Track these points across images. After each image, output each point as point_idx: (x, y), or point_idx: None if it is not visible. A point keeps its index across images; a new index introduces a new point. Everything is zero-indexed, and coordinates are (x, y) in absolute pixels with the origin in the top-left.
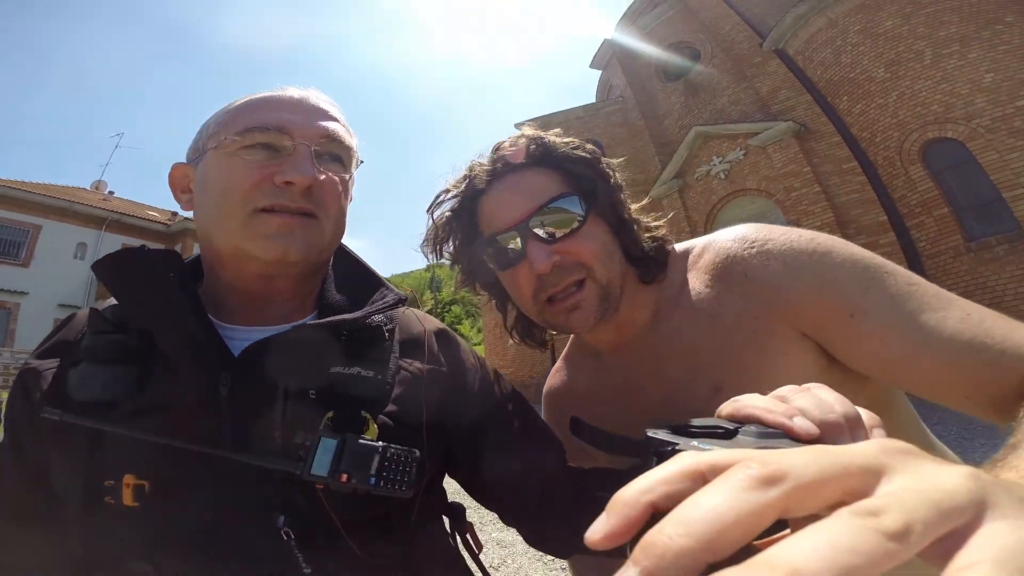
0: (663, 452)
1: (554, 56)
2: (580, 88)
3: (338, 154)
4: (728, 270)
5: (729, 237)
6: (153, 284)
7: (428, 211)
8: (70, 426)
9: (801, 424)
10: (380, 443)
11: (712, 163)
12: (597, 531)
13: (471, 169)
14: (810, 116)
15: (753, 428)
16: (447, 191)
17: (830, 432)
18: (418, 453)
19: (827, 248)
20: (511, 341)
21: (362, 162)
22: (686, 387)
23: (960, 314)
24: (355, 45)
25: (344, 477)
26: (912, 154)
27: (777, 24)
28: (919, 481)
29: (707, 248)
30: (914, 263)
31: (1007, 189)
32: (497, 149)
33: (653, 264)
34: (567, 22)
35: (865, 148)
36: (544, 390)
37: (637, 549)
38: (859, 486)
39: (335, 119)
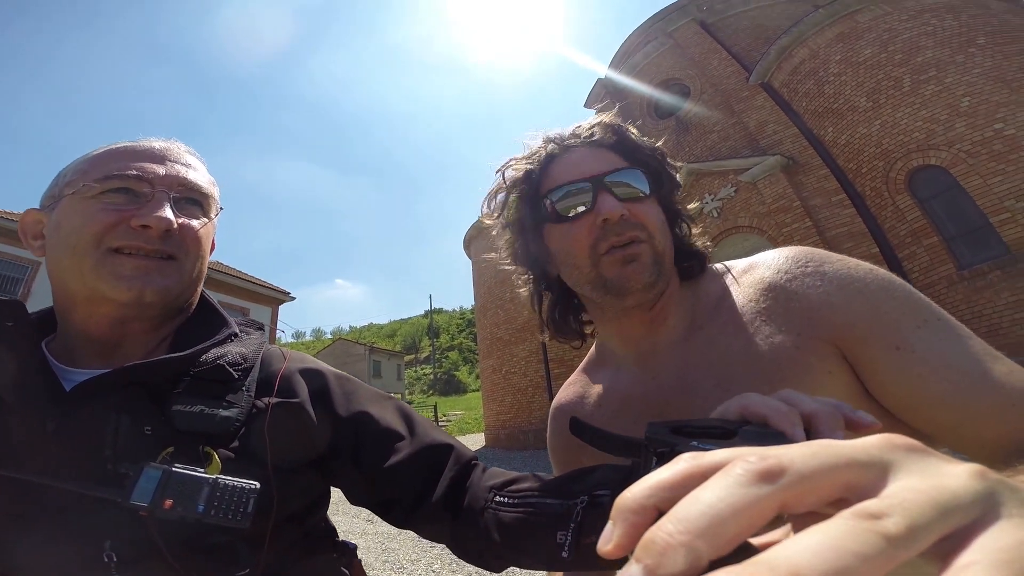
0: (662, 452)
1: (549, 96)
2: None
3: (197, 200)
4: (776, 286)
5: (780, 256)
6: None
7: (498, 171)
8: None
9: (800, 434)
10: (211, 475)
11: (705, 201)
12: (606, 541)
13: (546, 138)
14: (797, 149)
15: (753, 428)
16: (519, 157)
17: (831, 435)
18: (257, 486)
19: (886, 280)
20: (544, 337)
21: (222, 208)
22: (717, 400)
23: (1005, 368)
24: (352, 88)
25: (168, 504)
26: (898, 183)
27: (762, 57)
28: (924, 481)
29: (754, 265)
30: None
31: (993, 214)
32: (576, 128)
33: (696, 263)
34: (564, 62)
35: (852, 179)
36: (553, 404)
37: (639, 547)
38: (862, 482)
39: (195, 168)
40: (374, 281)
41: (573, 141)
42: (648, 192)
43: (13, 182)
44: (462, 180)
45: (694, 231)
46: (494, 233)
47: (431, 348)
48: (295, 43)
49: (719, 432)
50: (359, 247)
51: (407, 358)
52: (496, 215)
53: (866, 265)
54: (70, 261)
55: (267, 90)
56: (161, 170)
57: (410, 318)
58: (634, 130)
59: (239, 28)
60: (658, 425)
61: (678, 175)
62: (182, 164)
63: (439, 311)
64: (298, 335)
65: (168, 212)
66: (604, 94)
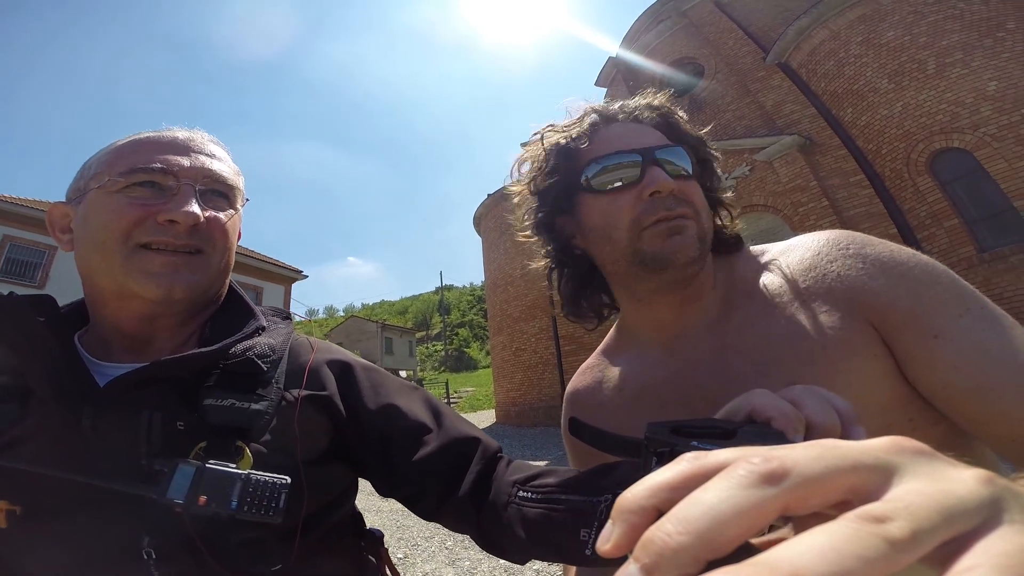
0: (662, 452)
1: (559, 75)
2: None
3: (223, 192)
4: (816, 267)
5: (821, 238)
6: (22, 328)
7: (536, 134)
8: None
9: (799, 440)
10: (243, 471)
11: None
12: (605, 540)
13: (590, 108)
14: (815, 129)
15: (753, 428)
16: (561, 123)
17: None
18: (288, 480)
19: (930, 266)
20: (555, 312)
21: (247, 200)
22: (755, 383)
23: None
24: (364, 68)
25: (202, 500)
26: (920, 165)
27: (780, 37)
28: (929, 485)
29: (792, 247)
30: None
31: (1018, 198)
32: (623, 104)
33: (729, 242)
34: (573, 41)
35: (871, 160)
36: (568, 390)
37: (638, 547)
38: (866, 485)
39: (219, 159)
40: (386, 258)
41: (621, 115)
42: (691, 173)
43: (31, 171)
44: (472, 158)
45: (734, 220)
46: (515, 201)
47: (442, 325)
48: (302, 29)
49: (719, 432)
50: (371, 225)
51: (418, 335)
52: (527, 181)
53: (909, 250)
54: (99, 258)
55: (275, 76)
56: (186, 162)
57: (421, 295)
58: (682, 114)
59: (246, 15)
60: (658, 425)
61: (719, 168)
62: (206, 155)
63: (450, 288)
64: (311, 313)
65: (194, 206)
66: (616, 73)
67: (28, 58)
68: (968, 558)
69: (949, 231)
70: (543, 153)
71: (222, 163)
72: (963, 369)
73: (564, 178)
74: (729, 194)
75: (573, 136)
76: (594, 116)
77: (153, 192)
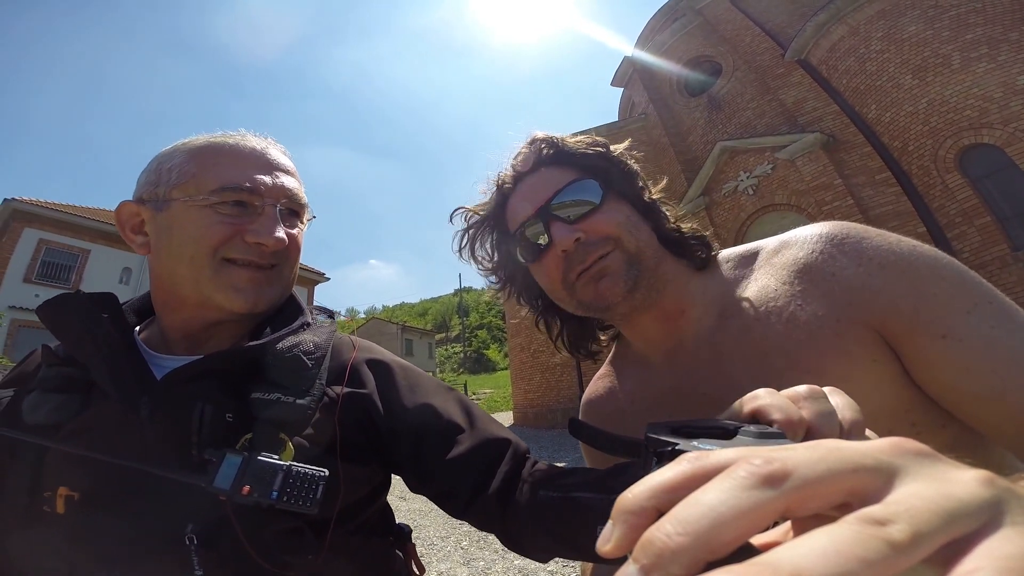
0: (663, 452)
1: (574, 74)
2: (603, 106)
3: (297, 211)
4: (811, 267)
5: (813, 233)
6: (87, 323)
7: (466, 221)
8: (20, 444)
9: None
10: (285, 462)
11: (739, 178)
12: (605, 540)
13: (498, 178)
14: (838, 126)
15: (753, 428)
16: (475, 210)
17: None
18: (326, 473)
19: (932, 259)
20: (560, 355)
21: (314, 217)
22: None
23: None
24: (382, 70)
25: (246, 490)
26: (948, 162)
27: (798, 34)
28: (930, 488)
29: (785, 244)
30: None
31: None
32: (516, 156)
33: (692, 247)
34: (588, 40)
35: (898, 157)
36: (583, 397)
37: (637, 547)
38: (867, 487)
39: (293, 174)
40: (405, 261)
41: (514, 180)
42: (601, 197)
43: (63, 175)
44: (488, 159)
45: (678, 214)
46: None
47: (461, 327)
48: (320, 33)
49: (719, 432)
50: (391, 227)
51: (438, 336)
52: (484, 267)
53: (909, 241)
54: (187, 269)
55: (293, 80)
56: (270, 180)
57: (440, 297)
58: (565, 137)
59: (265, 20)
60: (658, 425)
61: (632, 162)
62: (285, 172)
63: (468, 290)
64: (332, 315)
65: (281, 230)
66: (632, 72)
67: (56, 62)
68: (970, 560)
69: (981, 229)
70: (469, 241)
71: (295, 179)
72: (974, 370)
73: (510, 261)
74: (660, 186)
75: (489, 215)
76: (505, 186)
77: (240, 210)
